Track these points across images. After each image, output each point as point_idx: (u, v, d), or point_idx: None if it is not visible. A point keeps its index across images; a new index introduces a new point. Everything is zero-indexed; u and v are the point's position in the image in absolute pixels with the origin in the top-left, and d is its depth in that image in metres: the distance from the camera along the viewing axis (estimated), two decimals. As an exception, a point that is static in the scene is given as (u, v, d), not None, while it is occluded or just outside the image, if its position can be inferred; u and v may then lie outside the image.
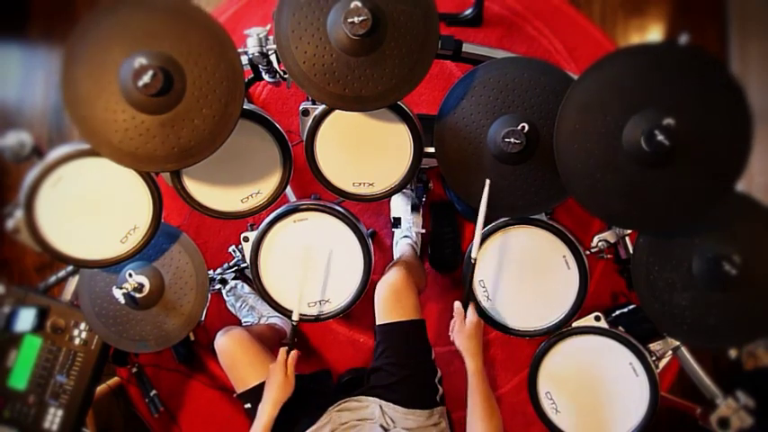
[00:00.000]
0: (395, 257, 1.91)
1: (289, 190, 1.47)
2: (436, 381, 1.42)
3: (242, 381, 1.44)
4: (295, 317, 1.25)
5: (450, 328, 1.31)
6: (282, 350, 1.29)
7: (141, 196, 1.24)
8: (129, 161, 1.12)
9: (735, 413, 1.33)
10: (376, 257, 1.46)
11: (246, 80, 1.27)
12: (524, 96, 1.21)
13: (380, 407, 1.35)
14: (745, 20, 2.05)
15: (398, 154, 1.31)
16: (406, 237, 1.91)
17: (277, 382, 1.28)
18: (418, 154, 1.30)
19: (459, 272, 1.53)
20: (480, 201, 1.23)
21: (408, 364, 1.39)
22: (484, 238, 1.35)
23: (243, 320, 1.95)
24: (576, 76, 1.14)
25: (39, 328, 1.42)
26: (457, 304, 1.31)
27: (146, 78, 1.03)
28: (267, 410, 1.29)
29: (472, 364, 1.26)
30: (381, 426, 1.32)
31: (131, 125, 1.09)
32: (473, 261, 1.27)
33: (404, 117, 1.28)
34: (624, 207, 1.12)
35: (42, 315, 1.42)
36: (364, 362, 1.49)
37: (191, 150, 1.12)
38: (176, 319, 1.34)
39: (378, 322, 1.45)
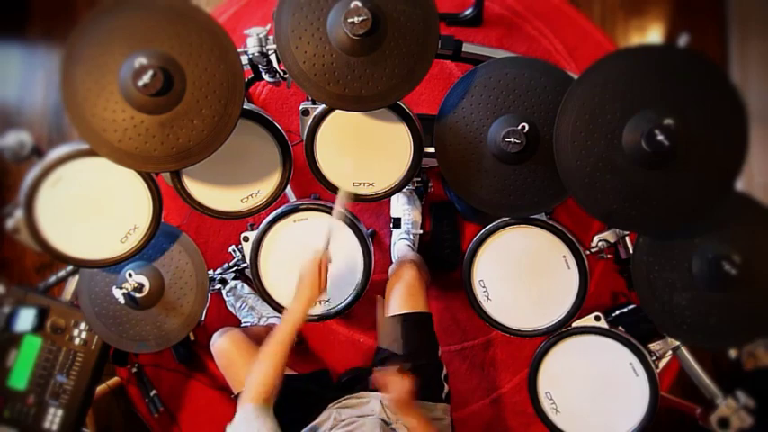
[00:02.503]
0: (393, 258, 1.91)
1: (289, 190, 1.47)
2: (442, 377, 1.41)
3: (239, 381, 1.44)
4: (346, 188, 1.14)
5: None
6: (316, 248, 1.16)
7: (141, 196, 1.25)
8: (128, 161, 1.12)
9: (735, 413, 1.33)
10: (376, 257, 1.46)
11: (246, 80, 1.27)
12: (524, 96, 1.21)
13: (381, 401, 1.35)
14: (745, 20, 2.05)
15: (398, 154, 1.31)
16: (403, 239, 1.92)
17: (310, 280, 1.18)
18: (418, 154, 1.30)
19: (459, 272, 1.54)
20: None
21: (417, 355, 1.39)
22: (484, 239, 1.36)
23: (243, 321, 1.95)
24: (576, 76, 1.14)
25: (39, 328, 1.42)
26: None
27: (146, 78, 1.03)
28: (300, 308, 1.19)
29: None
30: (382, 419, 1.31)
31: (131, 125, 1.09)
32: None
33: (404, 117, 1.28)
34: (623, 208, 1.12)
35: (42, 315, 1.42)
36: (364, 362, 1.49)
37: (190, 151, 1.12)
38: (176, 319, 1.34)
39: (388, 314, 1.45)
